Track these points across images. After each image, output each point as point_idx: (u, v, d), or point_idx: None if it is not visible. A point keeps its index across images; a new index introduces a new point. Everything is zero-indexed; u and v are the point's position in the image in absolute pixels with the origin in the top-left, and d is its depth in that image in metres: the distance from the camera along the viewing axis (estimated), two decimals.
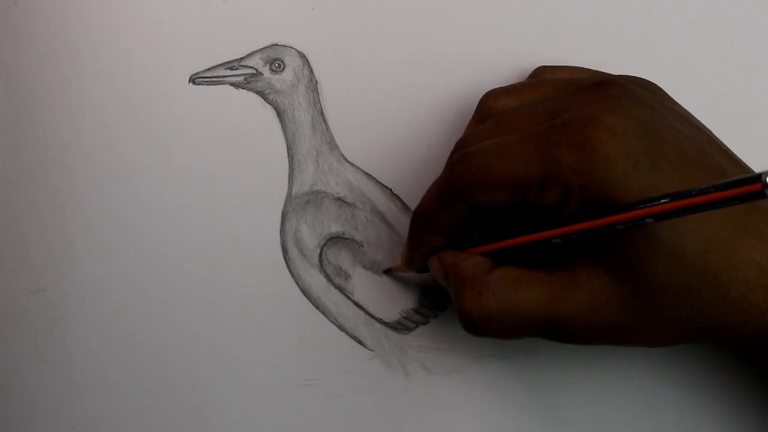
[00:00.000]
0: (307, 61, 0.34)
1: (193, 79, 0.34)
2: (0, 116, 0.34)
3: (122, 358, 0.34)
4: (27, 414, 0.34)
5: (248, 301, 0.34)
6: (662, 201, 0.22)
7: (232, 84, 0.34)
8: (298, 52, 0.34)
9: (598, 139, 0.24)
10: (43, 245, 0.34)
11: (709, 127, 0.28)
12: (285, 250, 0.34)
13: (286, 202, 0.34)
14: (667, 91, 0.29)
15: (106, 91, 0.34)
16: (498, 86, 0.30)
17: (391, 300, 0.34)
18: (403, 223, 0.34)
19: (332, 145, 0.34)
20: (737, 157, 0.27)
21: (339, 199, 0.34)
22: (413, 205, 0.34)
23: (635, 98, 0.26)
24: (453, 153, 0.29)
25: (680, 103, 0.29)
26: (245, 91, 0.34)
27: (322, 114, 0.34)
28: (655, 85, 0.28)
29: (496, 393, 0.33)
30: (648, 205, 0.22)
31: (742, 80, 0.34)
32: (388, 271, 0.34)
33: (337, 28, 0.34)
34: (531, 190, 0.25)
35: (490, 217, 0.27)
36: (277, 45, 0.34)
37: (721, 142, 0.27)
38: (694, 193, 0.21)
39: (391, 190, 0.34)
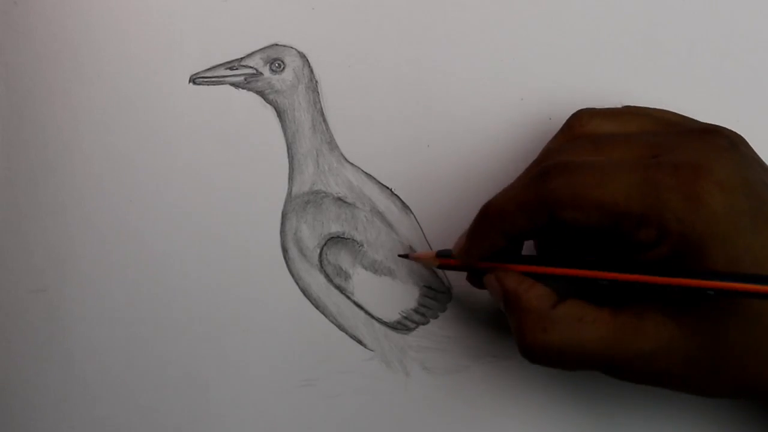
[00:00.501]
0: (307, 61, 0.34)
1: (193, 79, 0.34)
2: (0, 116, 0.34)
3: (122, 358, 0.34)
4: (27, 414, 0.34)
5: (248, 301, 0.34)
6: (757, 281, 0.22)
7: (232, 84, 0.34)
8: (298, 52, 0.34)
9: (708, 192, 0.24)
10: (43, 245, 0.34)
11: None
12: (285, 250, 0.34)
13: (286, 202, 0.34)
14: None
15: (107, 91, 0.34)
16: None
17: (391, 300, 0.34)
18: (403, 223, 0.34)
19: (332, 145, 0.34)
20: None
21: (339, 199, 0.34)
22: (413, 204, 0.34)
23: (739, 154, 0.26)
24: (541, 160, 0.28)
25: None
26: (245, 91, 0.34)
27: (322, 114, 0.34)
28: (747, 142, 0.28)
29: (496, 393, 0.33)
30: (741, 280, 0.23)
31: (742, 88, 0.34)
32: (404, 256, 0.33)
33: (337, 28, 0.34)
34: (628, 221, 0.25)
35: (564, 236, 0.27)
36: (277, 45, 0.34)
37: None
38: None
39: (391, 190, 0.34)
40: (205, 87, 0.34)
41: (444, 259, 0.31)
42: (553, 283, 0.27)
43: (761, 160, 0.28)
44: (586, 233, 0.26)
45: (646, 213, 0.24)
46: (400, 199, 0.34)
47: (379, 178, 0.34)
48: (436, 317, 0.34)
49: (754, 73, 0.34)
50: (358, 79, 0.34)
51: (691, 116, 0.29)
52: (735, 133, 0.27)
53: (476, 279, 0.30)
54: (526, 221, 0.26)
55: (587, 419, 0.33)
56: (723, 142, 0.26)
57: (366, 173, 0.34)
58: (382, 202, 0.34)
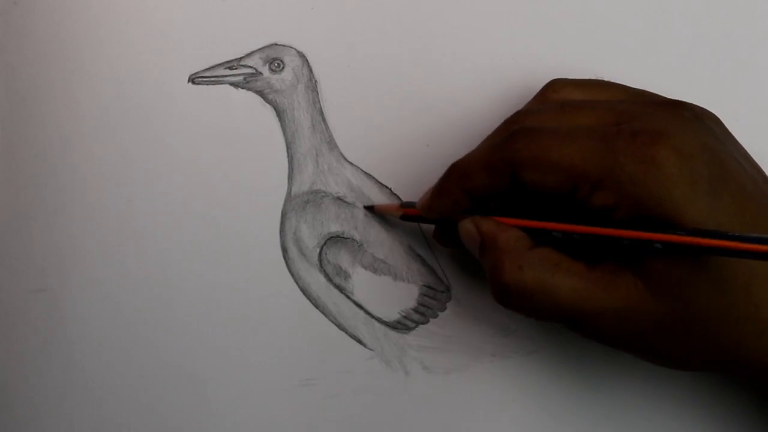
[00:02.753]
0: (307, 60, 0.34)
1: (193, 79, 0.34)
2: (0, 116, 0.34)
3: (122, 358, 0.34)
4: (27, 414, 0.34)
5: (248, 301, 0.34)
6: (721, 236, 0.22)
7: (232, 84, 0.34)
8: (298, 51, 0.34)
9: (664, 156, 0.24)
10: (43, 245, 0.34)
11: None
12: (285, 250, 0.34)
13: (285, 201, 0.34)
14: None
15: (106, 91, 0.34)
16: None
17: (390, 299, 0.34)
18: (402, 223, 0.34)
19: (332, 144, 0.34)
20: None
21: (338, 198, 0.34)
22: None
23: (704, 125, 0.26)
24: (509, 123, 0.29)
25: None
26: (245, 90, 0.34)
27: (322, 114, 0.34)
28: (717, 117, 0.28)
29: (496, 392, 0.33)
30: (704, 235, 0.23)
31: (743, 85, 0.34)
32: (370, 208, 0.34)
33: (336, 28, 0.34)
34: (583, 185, 0.25)
35: (525, 197, 0.27)
36: (276, 44, 0.34)
37: None
38: (753, 238, 0.21)
39: (390, 189, 0.34)
40: (205, 86, 0.34)
41: (407, 209, 0.31)
42: None
43: (737, 141, 0.28)
44: (547, 200, 0.26)
45: (602, 176, 0.25)
46: (400, 199, 0.34)
47: (378, 178, 0.34)
48: (435, 317, 0.34)
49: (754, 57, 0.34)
50: (357, 78, 0.34)
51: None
52: (704, 109, 0.27)
53: (442, 235, 0.31)
54: (488, 180, 0.27)
55: (587, 419, 0.33)
56: (686, 114, 0.26)
57: (365, 173, 0.34)
58: (382, 201, 0.34)
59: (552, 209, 0.27)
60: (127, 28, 0.34)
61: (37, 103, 0.34)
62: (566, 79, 0.30)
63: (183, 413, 0.34)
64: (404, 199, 0.34)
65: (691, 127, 0.25)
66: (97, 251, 0.34)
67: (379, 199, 0.34)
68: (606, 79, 0.31)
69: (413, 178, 0.34)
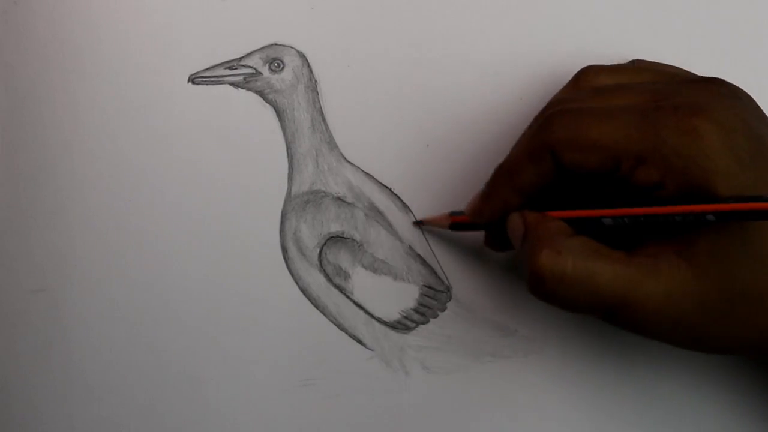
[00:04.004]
0: (307, 60, 0.34)
1: (193, 79, 0.34)
2: (0, 116, 0.34)
3: (122, 358, 0.34)
4: (27, 414, 0.34)
5: (248, 301, 0.34)
6: (755, 200, 0.22)
7: (232, 84, 0.34)
8: (298, 51, 0.34)
9: (706, 129, 0.24)
10: (43, 245, 0.34)
11: None
12: (284, 250, 0.34)
13: (285, 201, 0.34)
14: None
15: (106, 91, 0.34)
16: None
17: (390, 299, 0.34)
18: (402, 223, 0.34)
19: (332, 144, 0.34)
20: None
21: (338, 198, 0.34)
22: (413, 204, 0.34)
23: (740, 101, 0.26)
24: (545, 110, 0.28)
25: None
26: (244, 90, 0.34)
27: (322, 114, 0.34)
28: (751, 97, 0.28)
29: (496, 392, 0.33)
30: (752, 200, 0.23)
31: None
32: (419, 223, 0.33)
33: (336, 28, 0.34)
34: (627, 161, 0.25)
35: (575, 184, 0.27)
36: (276, 44, 0.34)
37: None
38: None
39: (390, 189, 0.34)
40: (205, 86, 0.34)
41: (456, 218, 0.31)
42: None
43: (765, 113, 0.28)
44: (592, 182, 0.26)
45: (645, 151, 0.24)
46: (400, 199, 0.34)
47: (378, 178, 0.34)
48: (435, 317, 0.34)
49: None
50: (357, 78, 0.34)
51: None
52: (739, 87, 0.27)
53: (493, 240, 0.31)
54: (532, 171, 0.27)
55: (587, 419, 0.33)
56: (724, 90, 0.26)
57: (365, 173, 0.34)
58: (382, 201, 0.34)
59: (597, 196, 0.27)
60: (127, 28, 0.34)
61: (37, 103, 0.34)
62: (599, 65, 0.30)
63: (183, 413, 0.34)
64: (406, 200, 0.34)
65: (730, 102, 0.25)
66: (97, 251, 0.34)
67: (379, 199, 0.34)
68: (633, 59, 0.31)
69: (413, 178, 0.34)
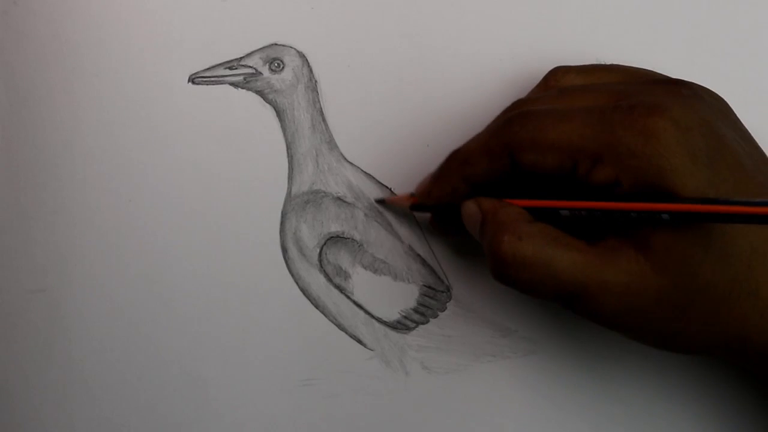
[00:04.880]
0: (307, 60, 0.34)
1: (193, 79, 0.34)
2: (0, 116, 0.34)
3: (122, 358, 0.34)
4: (27, 414, 0.34)
5: (248, 301, 0.34)
6: (727, 202, 0.22)
7: (232, 84, 0.34)
8: (298, 51, 0.34)
9: (662, 127, 0.24)
10: (43, 245, 0.34)
11: None
12: (285, 250, 0.34)
13: (285, 201, 0.34)
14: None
15: (106, 91, 0.34)
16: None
17: (390, 299, 0.34)
18: (402, 223, 0.34)
19: (332, 144, 0.34)
20: None
21: (338, 198, 0.34)
22: None
23: (703, 101, 0.26)
24: (507, 111, 0.29)
25: None
26: (245, 90, 0.34)
27: (322, 114, 0.34)
28: (722, 98, 0.28)
29: (495, 392, 0.33)
30: (708, 202, 0.22)
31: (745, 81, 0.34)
32: (381, 201, 0.34)
33: (336, 28, 0.34)
34: (583, 161, 0.25)
35: (533, 181, 0.27)
36: (276, 44, 0.34)
37: None
38: (758, 203, 0.21)
39: (390, 189, 0.34)
40: (205, 87, 0.34)
41: (415, 198, 0.31)
42: None
43: (739, 121, 0.28)
44: (548, 182, 0.26)
45: (601, 151, 0.25)
46: None
47: (378, 178, 0.34)
48: (435, 317, 0.34)
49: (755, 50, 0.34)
50: (357, 78, 0.34)
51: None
52: (707, 88, 0.28)
53: (439, 222, 0.31)
54: (487, 166, 0.27)
55: (587, 420, 0.33)
56: (685, 91, 0.26)
57: (365, 173, 0.34)
58: None
59: (553, 192, 0.27)
60: (127, 28, 0.34)
61: (37, 103, 0.34)
62: (568, 66, 0.30)
63: (183, 413, 0.34)
64: None
65: (689, 102, 0.26)
66: (97, 251, 0.34)
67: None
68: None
69: (413, 178, 0.34)
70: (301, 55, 0.34)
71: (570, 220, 0.26)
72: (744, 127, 0.28)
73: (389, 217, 0.34)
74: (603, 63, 0.32)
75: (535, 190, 0.27)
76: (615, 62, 0.34)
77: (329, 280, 0.34)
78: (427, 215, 0.33)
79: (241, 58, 0.34)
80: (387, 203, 0.34)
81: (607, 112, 0.25)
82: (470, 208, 0.28)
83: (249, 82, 0.34)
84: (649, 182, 0.24)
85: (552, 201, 0.27)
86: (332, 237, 0.34)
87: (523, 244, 0.25)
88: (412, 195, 0.32)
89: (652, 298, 0.25)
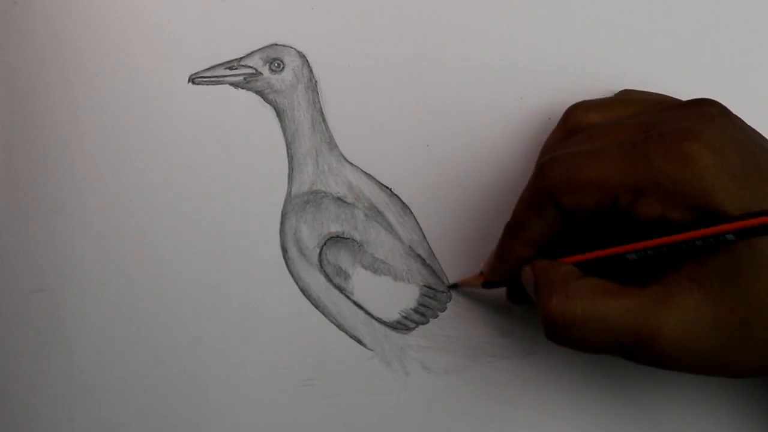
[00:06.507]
0: (307, 60, 0.34)
1: (193, 79, 0.34)
2: (0, 116, 0.34)
3: (122, 358, 0.34)
4: (27, 414, 0.34)
5: (248, 301, 0.34)
6: None
7: (232, 84, 0.34)
8: (298, 51, 0.34)
9: (698, 151, 0.24)
10: (43, 245, 0.34)
11: None
12: (285, 250, 0.34)
13: (285, 201, 0.34)
14: None
15: (106, 91, 0.34)
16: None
17: (390, 300, 0.34)
18: (402, 223, 0.34)
19: (332, 144, 0.34)
20: None
21: (338, 198, 0.34)
22: (413, 204, 0.34)
23: (729, 118, 0.26)
24: (539, 158, 0.29)
25: None
26: (245, 90, 0.34)
27: (322, 114, 0.34)
28: (735, 114, 0.28)
29: (495, 393, 0.33)
30: (756, 216, 0.22)
31: (744, 86, 0.34)
32: (454, 286, 0.34)
33: (336, 28, 0.34)
34: (623, 195, 0.25)
35: (583, 229, 0.27)
36: (276, 45, 0.34)
37: None
38: None
39: (390, 189, 0.34)
40: (205, 87, 0.34)
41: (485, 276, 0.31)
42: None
43: (754, 129, 0.28)
44: (600, 224, 0.26)
45: (640, 182, 0.24)
46: (400, 199, 0.34)
47: (378, 178, 0.34)
48: (435, 317, 0.34)
49: (755, 65, 0.34)
50: (357, 78, 0.34)
51: None
52: (724, 105, 0.27)
53: (515, 294, 0.31)
54: (540, 222, 0.27)
55: (586, 419, 0.33)
56: (711, 110, 0.26)
57: (365, 173, 0.34)
58: (382, 201, 0.34)
59: (611, 237, 0.26)
60: (127, 28, 0.34)
61: (36, 103, 0.34)
62: (585, 102, 0.30)
63: (182, 413, 0.34)
64: (406, 200, 0.34)
65: (718, 121, 0.26)
66: (97, 251, 0.34)
67: (379, 199, 0.34)
68: (626, 88, 0.31)
69: (413, 178, 0.34)
70: (301, 56, 0.34)
71: (635, 264, 0.26)
72: (757, 132, 0.28)
73: (389, 217, 0.34)
74: (618, 93, 0.32)
75: (597, 241, 0.27)
76: (616, 63, 0.34)
77: (329, 280, 0.34)
78: None
79: (241, 58, 0.34)
80: (460, 286, 0.33)
81: (639, 143, 0.25)
82: (526, 272, 0.28)
83: (249, 83, 0.34)
84: (695, 204, 0.24)
85: (597, 251, 0.26)
86: (332, 237, 0.34)
87: (571, 302, 0.25)
88: (481, 273, 0.31)
89: (709, 329, 0.24)
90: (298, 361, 0.34)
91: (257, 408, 0.34)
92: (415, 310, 0.34)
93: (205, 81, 0.34)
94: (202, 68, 0.34)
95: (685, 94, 0.29)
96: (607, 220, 0.26)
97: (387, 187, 0.34)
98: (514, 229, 0.28)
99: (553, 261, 0.27)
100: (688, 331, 0.25)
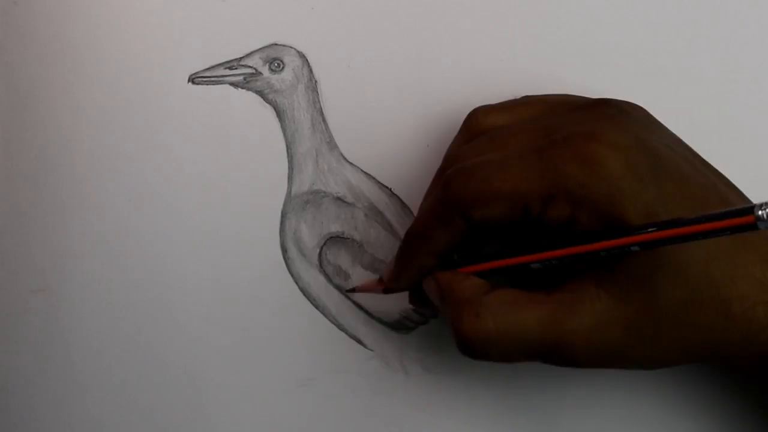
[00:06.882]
0: (307, 60, 0.34)
1: (193, 79, 0.34)
2: (0, 116, 0.35)
3: (122, 358, 0.34)
4: (27, 414, 0.34)
5: (248, 301, 0.34)
6: (676, 225, 0.22)
7: (232, 84, 0.34)
8: (298, 51, 0.34)
9: (602, 153, 0.24)
10: (43, 245, 0.34)
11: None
12: (285, 250, 0.34)
13: (285, 201, 0.34)
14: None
15: (106, 91, 0.34)
16: (485, 102, 0.30)
17: (390, 300, 0.34)
18: (403, 223, 0.34)
19: (332, 144, 0.34)
20: (727, 178, 0.27)
21: (338, 198, 0.34)
22: (413, 204, 0.34)
23: (630, 117, 0.26)
24: (443, 169, 0.28)
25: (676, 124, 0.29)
26: (245, 90, 0.34)
27: (322, 114, 0.34)
28: (642, 108, 0.28)
29: (496, 393, 0.33)
30: (661, 228, 0.22)
31: (741, 90, 0.34)
32: (351, 291, 0.34)
33: (336, 28, 0.34)
34: (533, 204, 0.25)
35: (487, 237, 0.27)
36: (276, 45, 0.34)
37: (710, 164, 0.28)
38: (710, 217, 0.21)
39: (390, 189, 0.34)
40: (205, 86, 0.34)
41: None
42: (487, 279, 0.27)
43: (665, 128, 0.28)
44: (507, 232, 0.26)
45: (549, 188, 0.24)
46: (400, 199, 0.34)
47: (378, 178, 0.34)
48: (435, 317, 0.34)
49: (752, 73, 0.34)
50: (357, 78, 0.34)
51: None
52: (627, 102, 0.27)
53: (417, 300, 0.30)
54: (443, 233, 0.27)
55: (587, 418, 0.33)
56: (610, 110, 0.26)
57: (365, 173, 0.34)
58: (382, 201, 0.34)
59: (518, 239, 0.26)
60: (127, 28, 0.34)
61: (37, 103, 0.34)
62: (486, 106, 0.30)
63: (182, 413, 0.34)
64: (406, 200, 0.34)
65: (619, 121, 0.26)
66: (97, 251, 0.34)
67: (379, 199, 0.34)
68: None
69: (413, 178, 0.34)
70: (301, 55, 0.34)
71: (526, 276, 0.26)
72: (669, 130, 0.28)
73: (389, 217, 0.34)
74: (519, 97, 0.32)
75: (502, 241, 0.27)
76: (617, 62, 0.34)
77: (329, 280, 0.34)
78: None
79: (241, 58, 0.34)
80: (358, 291, 0.33)
81: (544, 149, 0.25)
82: (428, 284, 0.28)
83: (249, 82, 0.34)
84: (601, 210, 0.24)
85: (506, 260, 0.26)
86: (332, 237, 0.34)
87: (481, 320, 0.25)
88: (381, 279, 0.31)
89: (619, 331, 0.25)
90: (297, 361, 0.34)
91: (257, 408, 0.34)
92: (415, 310, 0.34)
93: (205, 81, 0.34)
94: (202, 68, 0.34)
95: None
96: (520, 225, 0.26)
97: (387, 187, 0.34)
98: (417, 238, 0.28)
99: (456, 273, 0.27)
100: (601, 334, 0.25)
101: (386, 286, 0.30)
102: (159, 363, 0.34)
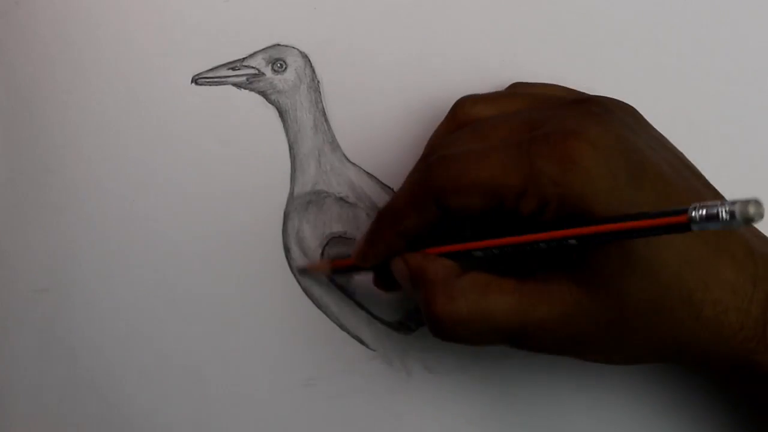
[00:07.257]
0: (309, 61, 0.34)
1: (196, 80, 0.34)
2: (2, 116, 0.34)
3: (123, 358, 0.34)
4: (28, 414, 0.34)
5: (250, 301, 0.34)
6: (614, 221, 0.22)
7: (234, 84, 0.34)
8: (300, 52, 0.34)
9: (579, 152, 0.24)
10: (45, 245, 0.34)
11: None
12: (287, 250, 0.34)
13: (288, 202, 0.34)
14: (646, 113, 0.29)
15: (108, 92, 0.34)
16: (495, 84, 0.30)
17: (393, 300, 0.34)
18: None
19: (334, 145, 0.34)
20: (708, 181, 0.27)
21: (341, 199, 0.34)
22: None
23: (614, 117, 0.26)
24: (426, 156, 0.29)
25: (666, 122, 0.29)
26: (247, 91, 0.34)
27: (324, 114, 0.34)
28: (631, 106, 0.28)
29: (498, 393, 0.34)
30: (629, 219, 0.22)
31: (741, 89, 0.34)
32: (303, 271, 0.34)
33: (339, 28, 0.34)
34: (508, 197, 0.25)
35: (458, 223, 0.27)
36: (279, 45, 0.34)
37: (694, 166, 0.28)
38: (648, 215, 0.21)
39: (392, 189, 0.34)
40: (207, 87, 0.34)
41: (338, 262, 0.32)
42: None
43: (652, 128, 0.28)
44: (478, 223, 0.26)
45: (524, 183, 0.24)
46: None
47: (380, 178, 0.34)
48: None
49: (753, 75, 0.34)
50: (360, 79, 0.34)
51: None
52: (616, 100, 0.27)
53: (382, 281, 0.31)
54: (416, 217, 0.27)
55: (587, 420, 0.33)
56: (595, 109, 0.26)
57: (368, 173, 0.34)
58: (384, 202, 0.34)
59: (488, 230, 0.27)
60: (130, 29, 0.34)
61: (38, 104, 0.34)
62: (474, 95, 0.30)
63: (184, 413, 0.34)
64: None
65: (602, 120, 0.25)
66: (100, 251, 0.34)
67: (381, 199, 0.34)
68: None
69: None
70: (304, 56, 0.34)
71: (498, 261, 0.26)
72: (657, 132, 0.28)
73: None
74: (507, 87, 0.32)
75: (471, 226, 0.27)
76: (617, 63, 0.34)
77: (331, 280, 0.34)
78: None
79: (243, 58, 0.34)
80: (309, 271, 0.34)
81: (524, 144, 0.25)
82: (398, 265, 0.28)
83: (252, 83, 0.34)
84: (572, 209, 0.24)
85: (468, 243, 0.27)
86: (335, 237, 0.34)
87: (455, 303, 0.26)
88: (333, 260, 0.32)
89: (588, 324, 0.25)
90: (300, 361, 0.34)
91: (259, 408, 0.34)
92: (417, 311, 0.34)
93: (208, 82, 0.34)
94: (205, 69, 0.34)
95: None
96: (490, 215, 0.26)
97: (389, 187, 0.34)
98: (390, 218, 0.28)
99: (426, 255, 0.27)
100: (567, 326, 0.25)
101: (354, 262, 0.30)
102: (161, 363, 0.34)
